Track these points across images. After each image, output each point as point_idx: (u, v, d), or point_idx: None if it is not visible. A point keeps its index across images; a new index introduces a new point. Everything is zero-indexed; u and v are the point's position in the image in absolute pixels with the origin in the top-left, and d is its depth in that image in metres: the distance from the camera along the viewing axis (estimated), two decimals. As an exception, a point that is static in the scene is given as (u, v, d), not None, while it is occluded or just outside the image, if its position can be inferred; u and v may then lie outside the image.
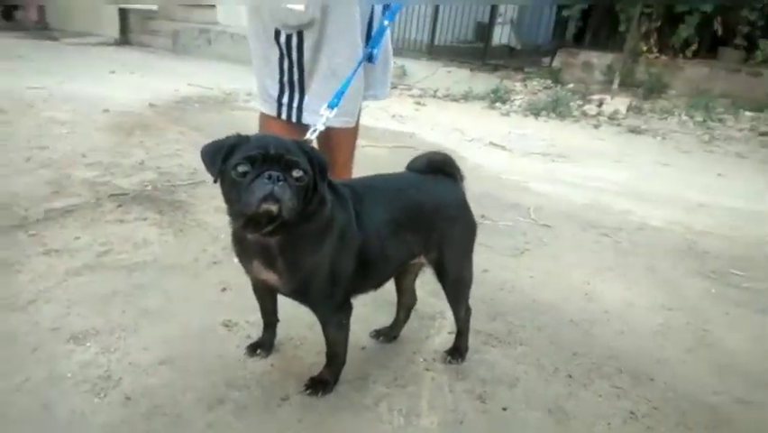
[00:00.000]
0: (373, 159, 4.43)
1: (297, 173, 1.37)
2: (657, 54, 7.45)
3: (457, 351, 1.92)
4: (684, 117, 6.63)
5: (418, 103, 7.37)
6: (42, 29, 11.17)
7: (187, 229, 2.88)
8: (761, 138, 6.02)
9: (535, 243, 3.04)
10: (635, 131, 6.32)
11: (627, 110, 6.85)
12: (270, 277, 1.53)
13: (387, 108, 6.36)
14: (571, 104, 6.98)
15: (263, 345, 1.87)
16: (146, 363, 1.78)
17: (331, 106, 1.87)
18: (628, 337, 2.17)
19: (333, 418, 1.61)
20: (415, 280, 1.97)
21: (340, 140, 2.78)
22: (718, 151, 5.74)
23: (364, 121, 2.59)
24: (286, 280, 1.51)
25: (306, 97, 2.41)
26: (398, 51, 7.90)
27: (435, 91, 8.01)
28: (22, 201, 3.03)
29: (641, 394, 1.81)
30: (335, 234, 1.51)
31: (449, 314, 2.21)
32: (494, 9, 9.08)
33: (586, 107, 6.91)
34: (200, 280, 2.37)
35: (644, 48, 7.44)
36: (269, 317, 1.86)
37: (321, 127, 1.80)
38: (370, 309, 2.12)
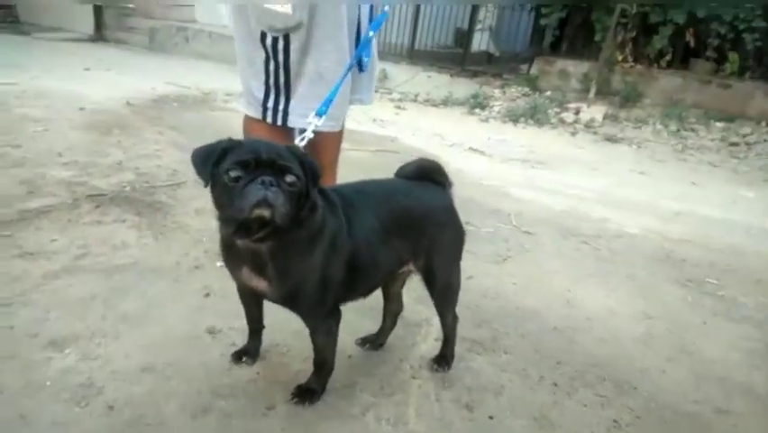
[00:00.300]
0: (357, 162, 4.42)
1: (289, 178, 1.35)
2: (632, 64, 7.61)
3: (443, 358, 1.92)
4: (659, 126, 6.78)
5: (399, 107, 7.39)
6: (13, 22, 10.87)
7: (168, 232, 2.83)
8: (731, 148, 6.19)
9: (517, 249, 3.07)
10: (611, 139, 6.44)
11: (604, 118, 6.98)
12: (260, 284, 1.51)
13: (368, 112, 6.35)
14: (549, 111, 7.08)
15: (249, 353, 1.85)
16: (128, 371, 1.74)
17: (319, 114, 1.86)
18: (610, 345, 2.20)
19: (320, 427, 1.60)
20: (402, 287, 1.97)
21: (326, 143, 2.77)
22: (692, 159, 5.89)
23: (346, 124, 2.59)
24: (275, 288, 1.49)
25: (292, 101, 2.39)
26: (380, 55, 7.88)
27: (416, 95, 8.05)
28: (-5, 201, 2.94)
29: (624, 403, 1.84)
30: (326, 241, 1.50)
31: (435, 321, 2.21)
32: (473, 15, 9.17)
33: (563, 115, 7.02)
34: (182, 285, 2.33)
35: (620, 57, 7.59)
36: (255, 324, 1.84)
37: (310, 135, 1.79)
38: (356, 316, 2.11)
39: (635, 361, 2.11)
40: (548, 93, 7.83)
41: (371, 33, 2.08)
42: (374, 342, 2.00)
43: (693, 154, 6.05)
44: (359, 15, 2.34)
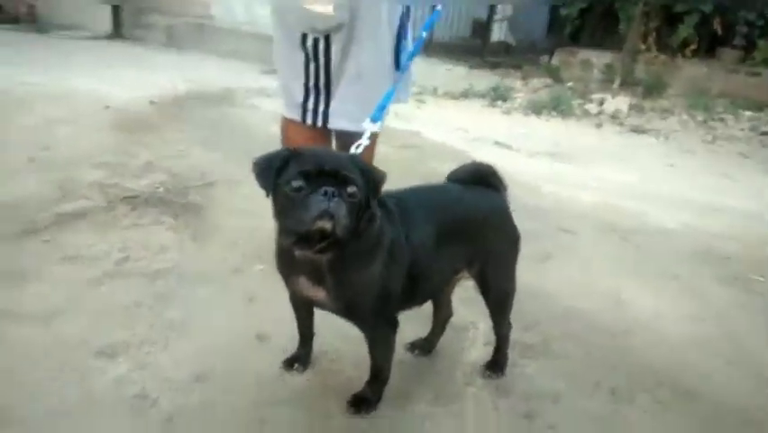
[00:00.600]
0: (382, 159, 4.37)
1: (351, 189, 1.32)
2: (656, 53, 7.47)
3: (496, 365, 1.88)
4: (685, 117, 6.66)
5: (419, 100, 7.31)
6: (32, 21, 10.92)
7: (205, 234, 2.82)
8: (761, 138, 6.06)
9: (558, 247, 3.01)
10: (637, 130, 6.33)
11: (629, 109, 6.86)
12: (318, 294, 1.48)
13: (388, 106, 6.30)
14: (573, 102, 6.97)
15: (300, 359, 1.82)
16: (181, 380, 1.72)
17: (374, 120, 1.82)
18: (663, 348, 2.15)
19: (381, 438, 1.57)
20: (452, 292, 1.93)
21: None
22: (721, 150, 5.77)
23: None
24: (334, 298, 1.46)
25: (333, 102, 2.35)
26: (398, 48, 7.82)
27: (435, 89, 7.96)
28: (31, 205, 2.93)
29: (686, 409, 1.79)
30: (385, 251, 1.46)
31: (482, 324, 2.18)
32: (492, 6, 9.05)
33: (587, 106, 6.91)
34: (225, 290, 2.31)
35: (644, 47, 7.46)
36: (306, 331, 1.81)
37: (366, 142, 1.75)
38: (401, 320, 2.07)
39: (692, 365, 2.05)
40: (570, 84, 7.72)
41: (424, 34, 2.03)
42: (423, 348, 1.97)
43: (723, 145, 5.93)
44: (401, 14, 2.29)
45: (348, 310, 1.50)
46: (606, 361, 2.03)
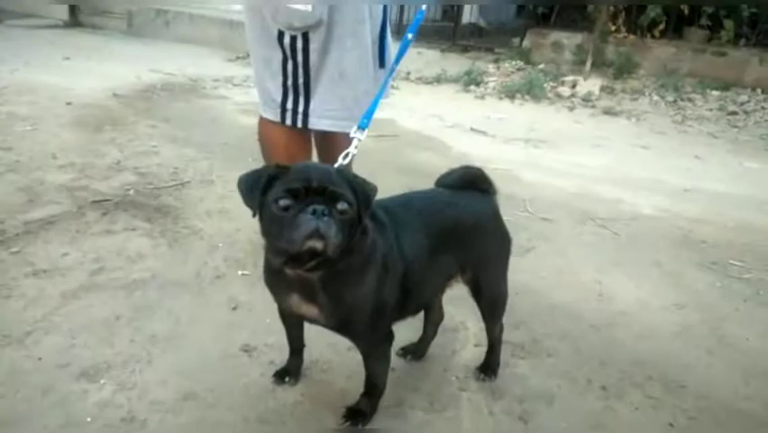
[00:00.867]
0: (359, 149, 4.32)
1: (341, 206, 1.27)
2: (626, 34, 7.52)
3: (489, 367, 1.88)
4: (656, 97, 6.74)
5: (392, 87, 7.23)
6: (-18, 10, 10.42)
7: (182, 239, 2.73)
8: (729, 117, 6.18)
9: (539, 238, 3.02)
10: (609, 112, 6.38)
11: (600, 91, 6.91)
12: (310, 311, 1.44)
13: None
14: (545, 85, 6.98)
15: (290, 372, 1.78)
16: (169, 400, 1.67)
17: (362, 128, 1.77)
18: (650, 341, 2.17)
19: (378, 451, 1.55)
20: (442, 296, 1.91)
21: (342, 140, 2.68)
22: (691, 131, 5.86)
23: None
24: (328, 315, 1.42)
25: (312, 102, 2.29)
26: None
27: (408, 73, 7.88)
28: (-4, 212, 2.81)
29: (676, 404, 1.82)
30: (378, 265, 1.42)
31: (470, 324, 2.18)
32: (463, -13, 8.97)
33: (560, 89, 6.93)
34: (207, 299, 2.25)
35: (613, 28, 7.50)
36: (296, 343, 1.77)
37: (354, 151, 1.70)
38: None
39: (678, 356, 2.08)
40: (541, 66, 7.73)
41: (410, 36, 1.98)
42: (416, 352, 1.95)
43: (692, 125, 6.03)
44: (383, 11, 2.23)
45: (342, 327, 1.47)
46: (594, 357, 2.04)
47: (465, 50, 8.48)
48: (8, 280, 2.24)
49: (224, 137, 4.71)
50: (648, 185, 4.17)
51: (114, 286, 2.28)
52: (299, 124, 2.32)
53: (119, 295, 2.22)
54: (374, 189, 1.37)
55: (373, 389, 1.60)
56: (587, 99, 6.69)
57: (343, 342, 1.95)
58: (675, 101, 6.59)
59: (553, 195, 3.78)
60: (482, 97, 6.88)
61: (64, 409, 1.60)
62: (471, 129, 5.47)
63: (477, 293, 1.72)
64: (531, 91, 6.80)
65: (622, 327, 2.25)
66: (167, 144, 4.28)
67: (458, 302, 2.12)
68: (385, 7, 2.32)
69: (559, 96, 6.83)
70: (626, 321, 2.30)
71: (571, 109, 6.48)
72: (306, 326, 1.71)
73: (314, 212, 1.23)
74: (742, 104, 6.31)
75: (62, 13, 10.21)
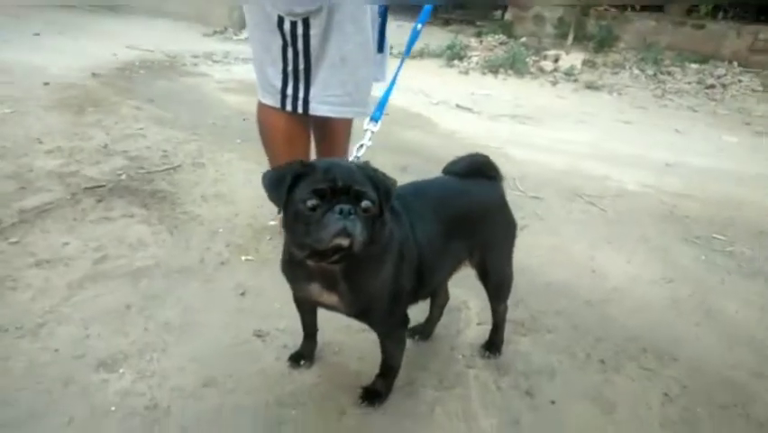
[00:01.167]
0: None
1: (365, 204, 1.32)
2: (606, 7, 7.57)
3: (494, 345, 1.96)
4: (636, 71, 6.84)
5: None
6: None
7: (181, 225, 2.75)
8: (707, 91, 6.31)
9: (531, 217, 3.10)
10: (591, 87, 6.46)
11: (582, 65, 6.98)
12: (330, 299, 1.49)
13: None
14: (528, 60, 7.03)
15: (305, 356, 1.84)
16: (189, 387, 1.72)
17: (375, 119, 1.80)
18: (642, 315, 2.28)
19: (396, 429, 1.62)
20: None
21: (339, 126, 2.71)
22: (672, 105, 5.99)
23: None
24: (348, 304, 1.48)
25: (313, 88, 2.30)
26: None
27: (390, 48, 7.83)
28: (-12, 202, 2.78)
29: (669, 374, 1.93)
30: (395, 253, 1.48)
31: (472, 304, 2.25)
32: (443, -41, 8.87)
33: (542, 63, 6.99)
34: (214, 285, 2.28)
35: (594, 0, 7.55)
36: (310, 328, 1.82)
37: (369, 143, 1.73)
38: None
39: (669, 329, 2.19)
40: (523, 39, 7.75)
41: (419, 26, 2.00)
42: (423, 333, 2.02)
43: (672, 99, 6.15)
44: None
45: (361, 313, 1.52)
46: (591, 332, 2.14)
47: (446, 23, 8.45)
48: (12, 272, 2.24)
49: (209, 117, 4.67)
50: (632, 160, 4.28)
51: (120, 274, 2.29)
52: (299, 111, 2.33)
53: (125, 284, 2.24)
54: (394, 184, 1.41)
55: (389, 370, 1.67)
56: (569, 74, 6.76)
57: (354, 325, 2.02)
58: (655, 74, 6.70)
59: (542, 172, 3.86)
60: (466, 72, 6.90)
61: (87, 400, 1.64)
62: (457, 106, 5.50)
63: (484, 276, 1.79)
64: (514, 66, 6.84)
65: (615, 303, 2.35)
66: (153, 126, 4.23)
67: (459, 283, 2.20)
68: None
69: (542, 70, 6.88)
70: (618, 296, 2.40)
71: (554, 84, 6.55)
72: (319, 311, 1.76)
73: (340, 211, 1.27)
74: (719, 77, 6.44)
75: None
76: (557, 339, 2.09)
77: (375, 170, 1.41)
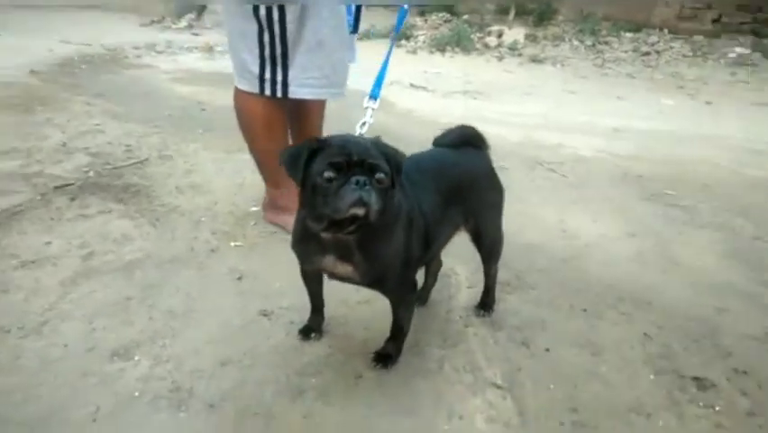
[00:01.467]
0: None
1: (379, 176, 1.41)
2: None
3: (486, 305, 2.10)
4: (575, 42, 7.14)
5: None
6: None
7: (162, 217, 2.75)
8: (643, 58, 6.68)
9: (500, 186, 3.26)
10: (535, 60, 6.71)
11: (524, 39, 7.21)
12: (345, 270, 1.57)
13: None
14: (472, 36, 7.20)
15: (314, 329, 1.92)
16: (207, 368, 1.77)
17: (374, 97, 1.88)
18: (614, 267, 2.48)
19: (412, 386, 1.74)
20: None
21: (315, 108, 2.77)
22: (611, 73, 6.31)
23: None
24: (364, 272, 1.56)
25: (291, 71, 2.35)
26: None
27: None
28: (-46, 207, 2.69)
29: (646, 317, 2.12)
30: (406, 222, 1.58)
31: (459, 270, 2.39)
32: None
33: (487, 39, 7.18)
34: (209, 272, 2.31)
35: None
36: (317, 302, 1.91)
37: (371, 120, 1.81)
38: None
39: (640, 278, 2.40)
40: (466, 17, 7.92)
41: (406, 6, 2.08)
42: (421, 298, 2.13)
43: (612, 68, 6.47)
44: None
45: (375, 281, 1.61)
46: (571, 286, 2.32)
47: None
48: (-2, 275, 2.20)
49: (165, 109, 4.61)
50: (582, 128, 4.52)
51: (111, 269, 2.29)
52: (279, 94, 2.38)
53: (119, 277, 2.24)
54: (403, 157, 1.51)
55: (399, 333, 1.78)
56: (513, 48, 6.98)
57: (353, 297, 2.13)
58: (594, 45, 7.02)
59: (500, 144, 4.01)
60: (414, 52, 7.01)
61: (108, 389, 1.67)
62: (411, 85, 5.61)
63: (478, 240, 1.91)
64: (460, 43, 7.00)
65: (588, 258, 2.54)
66: (110, 121, 4.15)
67: (446, 252, 2.32)
68: None
69: (487, 46, 7.08)
70: (590, 252, 2.59)
71: (500, 59, 6.76)
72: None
73: (356, 183, 1.36)
74: (653, 44, 6.82)
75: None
76: (541, 294, 2.25)
77: (386, 145, 1.50)
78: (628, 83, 5.95)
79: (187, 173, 3.30)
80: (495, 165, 2.01)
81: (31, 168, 3.22)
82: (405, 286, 1.67)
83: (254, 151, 2.61)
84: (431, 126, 4.51)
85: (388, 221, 1.53)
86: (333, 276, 1.65)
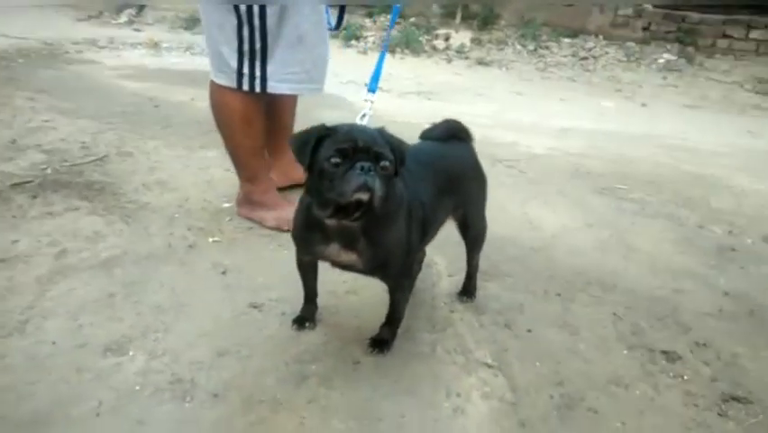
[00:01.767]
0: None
1: (383, 163, 1.47)
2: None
3: (468, 291, 2.21)
4: (518, 47, 7.44)
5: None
6: None
7: (133, 214, 2.69)
8: (582, 62, 7.05)
9: (465, 182, 3.39)
10: (482, 62, 6.95)
11: (470, 42, 7.44)
12: (349, 257, 1.63)
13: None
14: (421, 39, 7.36)
15: (308, 318, 1.96)
16: (205, 359, 1.77)
17: (372, 90, 1.94)
18: (579, 255, 2.64)
19: (409, 369, 1.81)
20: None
21: (287, 104, 2.80)
22: (553, 77, 6.62)
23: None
24: (368, 260, 1.62)
25: (270, 66, 2.37)
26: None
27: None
28: None
29: (613, 299, 2.29)
30: (406, 210, 1.65)
31: (438, 259, 2.49)
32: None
33: (435, 42, 7.36)
34: (191, 267, 2.30)
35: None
36: (312, 292, 1.95)
37: (370, 113, 1.87)
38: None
39: (603, 264, 2.58)
40: (413, 19, 8.08)
41: (390, 32, 2.15)
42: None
43: (553, 71, 6.79)
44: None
45: (377, 269, 1.68)
46: (543, 272, 2.46)
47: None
48: (-35, 275, 2.10)
49: (116, 106, 4.47)
50: (532, 128, 4.75)
51: (88, 266, 2.24)
52: (257, 89, 2.39)
53: (98, 274, 2.19)
54: (407, 147, 1.58)
55: (395, 318, 1.85)
56: (460, 51, 7.19)
57: (342, 287, 2.18)
58: (536, 49, 7.34)
59: (460, 142, 4.17)
60: (365, 53, 7.09)
61: (107, 384, 1.64)
62: (366, 85, 5.67)
63: (464, 228, 2.01)
64: (410, 45, 7.15)
65: (555, 247, 2.70)
66: (59, 118, 3.99)
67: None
68: None
69: (435, 48, 7.25)
70: (556, 242, 2.75)
71: (449, 61, 6.95)
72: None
73: (362, 168, 1.42)
74: (590, 49, 7.21)
75: None
76: (517, 281, 2.38)
77: (391, 135, 1.57)
78: (569, 86, 6.28)
79: (151, 170, 3.23)
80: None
81: (-19, 166, 3.07)
82: (404, 273, 1.74)
83: (231, 146, 2.61)
84: (390, 125, 4.61)
85: (391, 209, 1.59)
86: (335, 264, 1.70)
